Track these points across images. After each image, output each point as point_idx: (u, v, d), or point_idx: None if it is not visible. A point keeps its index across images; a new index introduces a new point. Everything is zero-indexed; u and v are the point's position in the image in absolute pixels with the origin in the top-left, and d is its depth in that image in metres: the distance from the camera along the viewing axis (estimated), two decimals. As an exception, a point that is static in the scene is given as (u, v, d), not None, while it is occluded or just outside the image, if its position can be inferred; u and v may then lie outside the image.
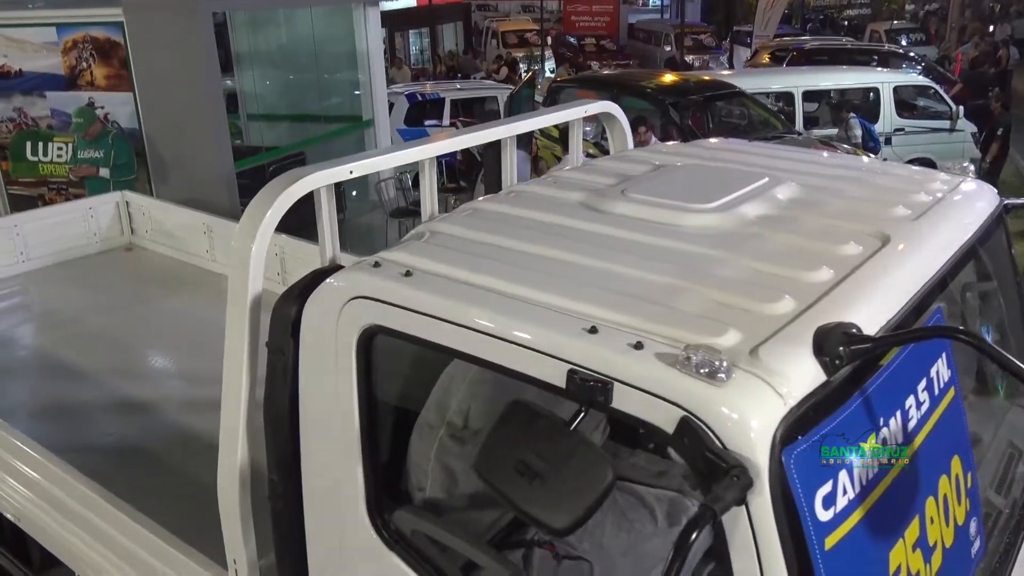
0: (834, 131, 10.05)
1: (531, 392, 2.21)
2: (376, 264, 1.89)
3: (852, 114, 10.04)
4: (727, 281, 1.74)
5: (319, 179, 2.17)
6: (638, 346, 1.51)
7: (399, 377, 2.06)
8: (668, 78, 9.07)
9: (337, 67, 10.29)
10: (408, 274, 1.83)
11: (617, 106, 3.21)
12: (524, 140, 6.45)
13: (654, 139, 6.59)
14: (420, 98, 12.74)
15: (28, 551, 3.71)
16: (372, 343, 1.88)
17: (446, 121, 12.52)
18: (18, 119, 7.50)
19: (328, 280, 1.94)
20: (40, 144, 7.44)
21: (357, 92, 10.03)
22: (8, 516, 3.28)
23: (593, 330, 1.57)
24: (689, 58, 21.04)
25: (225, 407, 2.15)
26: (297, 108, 10.39)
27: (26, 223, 5.57)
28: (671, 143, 3.09)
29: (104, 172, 6.66)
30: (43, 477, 2.99)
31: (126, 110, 7.16)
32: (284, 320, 2.04)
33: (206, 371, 4.25)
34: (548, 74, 22.89)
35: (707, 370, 1.43)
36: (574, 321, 1.60)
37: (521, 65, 22.24)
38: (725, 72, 15.06)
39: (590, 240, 1.99)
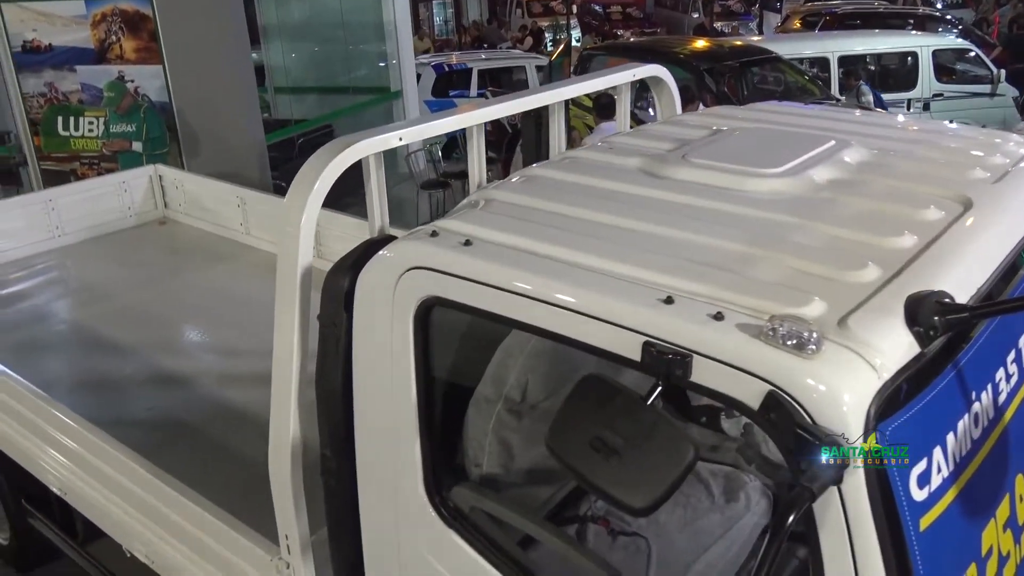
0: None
1: (589, 364, 2.15)
2: (433, 233, 1.82)
3: (861, 81, 9.81)
4: (804, 248, 1.65)
5: (368, 146, 2.09)
6: (718, 317, 1.43)
7: (455, 350, 1.99)
8: (702, 44, 8.86)
9: (364, 38, 10.19)
10: (468, 243, 1.76)
11: (666, 70, 3.10)
12: (609, 111, 6.39)
13: (701, 106, 6.45)
14: (447, 69, 12.60)
15: (73, 523, 3.74)
16: (429, 315, 1.82)
17: (473, 92, 12.39)
18: (49, 94, 7.47)
19: (383, 251, 1.87)
20: (71, 119, 7.42)
21: (384, 63, 9.93)
22: (54, 489, 3.28)
23: (669, 300, 1.49)
24: (718, 24, 20.65)
25: (276, 382, 2.10)
26: (324, 80, 10.33)
27: (60, 198, 5.57)
28: (724, 107, 2.98)
29: (137, 146, 6.64)
30: (88, 451, 2.98)
31: (156, 83, 7.12)
32: (336, 292, 1.98)
33: (243, 344, 4.27)
34: (574, 43, 22.59)
35: (795, 341, 1.35)
36: (647, 291, 1.52)
37: (547, 35, 21.97)
38: (755, 38, 14.77)
39: (653, 207, 1.91)
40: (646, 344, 1.45)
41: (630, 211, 1.87)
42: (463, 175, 9.31)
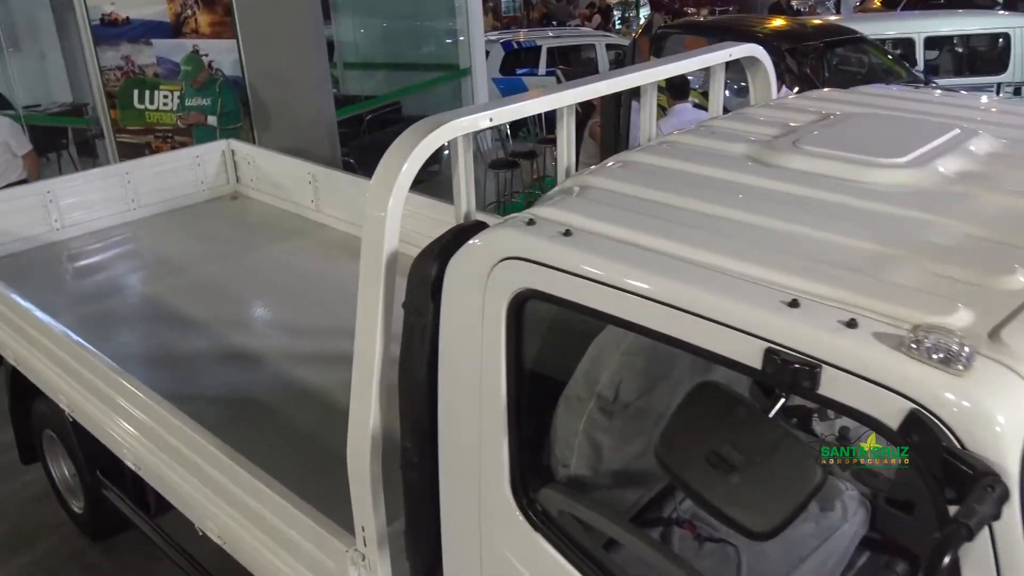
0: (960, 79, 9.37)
1: (687, 364, 2.03)
2: (530, 222, 1.71)
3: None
4: (942, 249, 1.50)
5: (458, 127, 1.99)
6: (851, 324, 1.30)
7: (545, 345, 1.89)
8: (782, 23, 8.54)
9: (434, 14, 10.09)
10: (568, 233, 1.65)
11: (763, 50, 2.94)
12: (682, 91, 6.18)
13: (784, 88, 6.21)
14: (516, 46, 12.44)
15: (145, 497, 3.77)
16: (523, 308, 1.72)
17: (542, 70, 12.21)
18: (126, 67, 7.56)
19: (475, 240, 1.78)
20: (147, 92, 7.52)
21: (454, 40, 9.82)
22: (129, 464, 3.29)
23: (794, 303, 1.36)
24: (794, 2, 20.01)
25: (357, 370, 2.02)
26: (393, 56, 10.27)
27: (137, 171, 5.62)
28: (826, 90, 2.80)
29: (212, 120, 6.67)
30: (163, 427, 2.97)
31: (230, 58, 7.14)
32: (423, 280, 1.89)
33: (314, 323, 4.24)
34: (642, 21, 22.17)
35: (942, 355, 1.21)
36: (770, 292, 1.40)
37: (615, 12, 21.60)
38: (833, 17, 14.25)
39: (765, 198, 1.77)
40: (769, 351, 1.33)
41: (740, 202, 1.74)
42: (531, 155, 9.18)
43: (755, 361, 1.35)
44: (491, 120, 2.09)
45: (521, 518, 1.84)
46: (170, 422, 2.91)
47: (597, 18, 19.44)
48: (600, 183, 1.92)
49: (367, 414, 2.02)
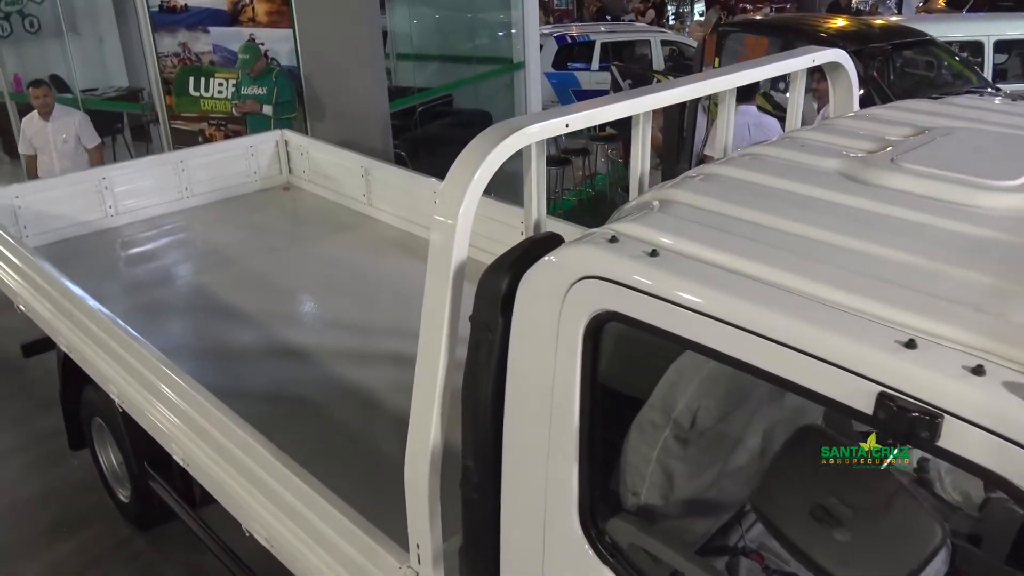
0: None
1: (771, 395, 1.92)
2: (612, 239, 1.61)
3: None
4: (1073, 287, 1.37)
5: (535, 132, 1.89)
6: (978, 370, 1.18)
7: (618, 367, 1.79)
8: (848, 23, 8.29)
9: (489, 6, 9.98)
10: (654, 254, 1.54)
11: (847, 55, 2.79)
12: (748, 93, 5.73)
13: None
14: (569, 40, 12.30)
15: (192, 491, 3.74)
16: (601, 330, 1.61)
17: (595, 65, 12.06)
18: (182, 54, 7.58)
19: (552, 256, 1.68)
20: (202, 80, 7.53)
21: (509, 33, 9.71)
22: (177, 459, 3.25)
23: (911, 344, 1.24)
24: (855, 1, 19.53)
25: (419, 384, 1.94)
26: (446, 48, 10.18)
27: (191, 159, 5.62)
28: (916, 100, 2.65)
29: (267, 109, 6.65)
30: (214, 425, 2.92)
31: (286, 47, 7.11)
32: (493, 294, 1.80)
33: (366, 320, 4.18)
34: (697, 17, 21.82)
35: (1086, 413, 1.08)
36: (883, 330, 1.28)
37: (669, 7, 21.30)
38: (895, 18, 13.84)
39: (865, 220, 1.64)
40: (882, 396, 1.21)
41: (838, 224, 1.62)
42: (583, 152, 9.05)
43: (865, 406, 1.23)
44: (567, 126, 1.99)
45: (589, 549, 1.74)
46: (221, 421, 2.86)
47: (651, 13, 19.17)
48: (683, 198, 1.80)
49: (428, 430, 1.94)
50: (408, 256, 4.89)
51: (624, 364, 1.80)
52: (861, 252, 1.52)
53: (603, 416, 1.72)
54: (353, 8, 6.63)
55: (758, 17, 12.04)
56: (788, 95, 2.83)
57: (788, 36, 7.73)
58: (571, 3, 23.06)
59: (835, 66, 2.78)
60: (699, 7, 22.24)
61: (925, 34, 7.98)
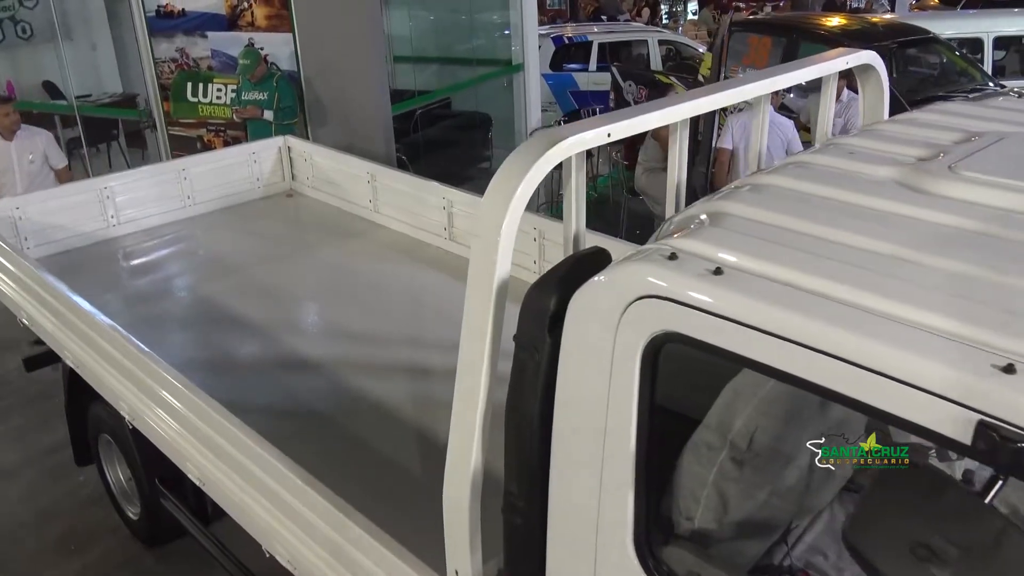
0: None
1: (835, 413, 1.84)
2: (672, 256, 1.53)
3: None
4: None
5: (578, 143, 1.82)
6: (1086, 398, 1.11)
7: (674, 389, 1.71)
8: (850, 22, 8.23)
9: (486, 7, 9.90)
10: (718, 271, 1.47)
11: (879, 57, 2.73)
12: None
13: (847, 93, 5.93)
14: (566, 41, 12.22)
15: (205, 509, 3.66)
16: (660, 352, 1.54)
17: (592, 66, 11.97)
18: (180, 59, 7.48)
19: (606, 275, 1.60)
20: (200, 85, 7.43)
21: (507, 34, 9.63)
22: (193, 479, 3.17)
23: (1009, 368, 1.17)
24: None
25: (458, 404, 1.86)
26: (445, 51, 10.10)
27: (193, 167, 5.53)
28: (955, 103, 2.59)
29: (268, 115, 6.55)
30: (230, 442, 2.84)
31: (286, 51, 7.02)
32: (539, 313, 1.72)
33: (378, 329, 4.09)
34: (690, 16, 21.75)
35: None
36: (977, 353, 1.21)
37: (662, 6, 21.23)
38: (887, 16, 13.80)
39: (933, 233, 1.57)
40: (982, 425, 1.14)
41: (905, 237, 1.55)
42: (586, 154, 8.96)
43: (963, 435, 1.16)
44: (609, 135, 1.92)
45: (645, 579, 1.67)
46: (240, 440, 2.78)
47: (646, 12, 19.09)
48: (737, 210, 1.73)
49: (468, 454, 1.86)
50: (417, 263, 4.81)
51: (677, 384, 1.72)
52: (935, 268, 1.45)
53: (660, 439, 1.65)
54: (354, 9, 6.55)
55: (759, 16, 12.01)
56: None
57: (792, 36, 7.68)
58: (564, 3, 22.99)
59: (866, 68, 2.71)
60: (692, 6, 22.19)
61: (928, 31, 7.93)
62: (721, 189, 1.94)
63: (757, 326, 1.37)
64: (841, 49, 2.70)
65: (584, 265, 1.74)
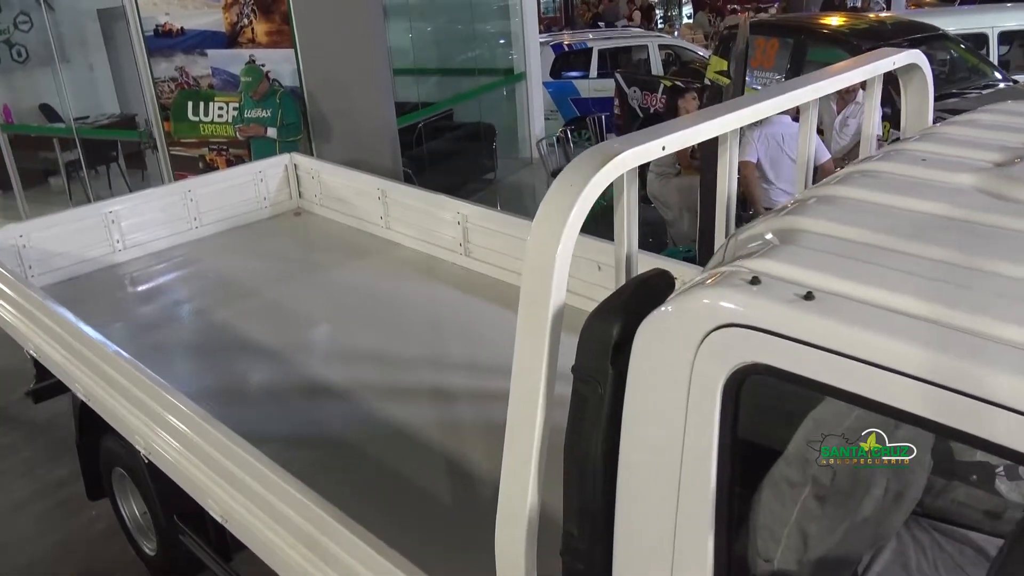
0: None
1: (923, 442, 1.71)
2: (754, 280, 1.41)
3: None
4: None
5: (631, 158, 1.70)
6: None
7: (751, 422, 1.58)
8: (858, 21, 8.13)
9: (487, 16, 9.81)
10: (809, 296, 1.34)
11: (924, 57, 2.61)
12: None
13: (862, 92, 5.82)
14: (566, 48, 12.12)
15: (228, 547, 3.51)
16: (743, 385, 1.41)
17: (593, 73, 11.86)
18: (180, 78, 7.37)
19: (678, 302, 1.47)
20: (201, 104, 7.32)
21: (508, 44, 9.54)
22: (215, 516, 3.03)
23: None
24: (846, -2, 19.40)
25: (512, 444, 1.73)
26: (445, 62, 10.00)
27: (199, 188, 5.42)
28: (1008, 102, 2.47)
29: (271, 132, 6.43)
30: (253, 477, 2.71)
31: (287, 67, 6.91)
32: (602, 343, 1.59)
33: (398, 351, 3.95)
34: (685, 20, 21.70)
35: None
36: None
37: (657, 10, 21.17)
38: (884, 14, 13.72)
39: (1027, 245, 1.45)
40: None
41: (1006, 250, 1.42)
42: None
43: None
44: (664, 148, 1.79)
45: (727, 630, 1.54)
46: (265, 475, 2.64)
47: (637, 15, 19.00)
48: (811, 226, 1.60)
49: (523, 496, 1.73)
50: (433, 281, 4.68)
51: (756, 417, 1.59)
52: (1045, 285, 1.32)
53: (741, 476, 1.52)
54: (356, 22, 6.44)
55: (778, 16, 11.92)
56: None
57: (800, 37, 7.58)
58: (558, 11, 22.94)
59: (910, 68, 2.59)
60: (687, 9, 22.15)
61: (936, 28, 7.84)
62: (783, 204, 1.81)
63: (860, 357, 1.24)
64: (886, 49, 2.58)
65: (647, 289, 1.61)
